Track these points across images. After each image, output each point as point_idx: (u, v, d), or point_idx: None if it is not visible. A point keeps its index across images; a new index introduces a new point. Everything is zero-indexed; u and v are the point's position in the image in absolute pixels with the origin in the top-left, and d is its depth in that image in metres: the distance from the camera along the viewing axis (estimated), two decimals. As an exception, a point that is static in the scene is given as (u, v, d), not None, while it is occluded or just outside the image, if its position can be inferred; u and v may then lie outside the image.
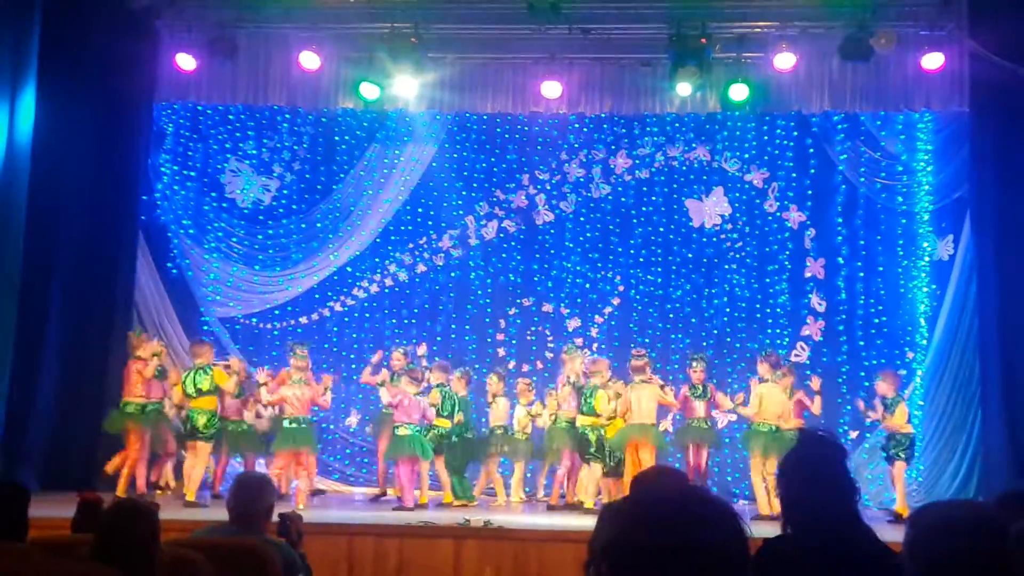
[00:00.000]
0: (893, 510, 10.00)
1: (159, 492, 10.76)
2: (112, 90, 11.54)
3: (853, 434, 11.57)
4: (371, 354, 11.89)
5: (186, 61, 11.56)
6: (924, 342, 11.87)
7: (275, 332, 12.69)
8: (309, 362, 10.76)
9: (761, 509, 9.90)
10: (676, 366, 12.03)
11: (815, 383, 10.72)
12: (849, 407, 11.63)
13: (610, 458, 10.30)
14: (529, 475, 11.53)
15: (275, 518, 5.24)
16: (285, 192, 13.03)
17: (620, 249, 12.74)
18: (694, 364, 10.78)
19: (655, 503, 1.83)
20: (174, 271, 12.55)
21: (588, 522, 3.47)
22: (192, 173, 12.87)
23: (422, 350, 11.53)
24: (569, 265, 12.79)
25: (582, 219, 12.86)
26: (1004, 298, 10.72)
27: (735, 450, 11.83)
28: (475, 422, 11.51)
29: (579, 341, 12.30)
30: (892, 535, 3.33)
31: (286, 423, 10.45)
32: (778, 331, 12.35)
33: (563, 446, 10.68)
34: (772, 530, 3.18)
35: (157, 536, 4.25)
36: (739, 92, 11.46)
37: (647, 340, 12.24)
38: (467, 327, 12.81)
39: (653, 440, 10.12)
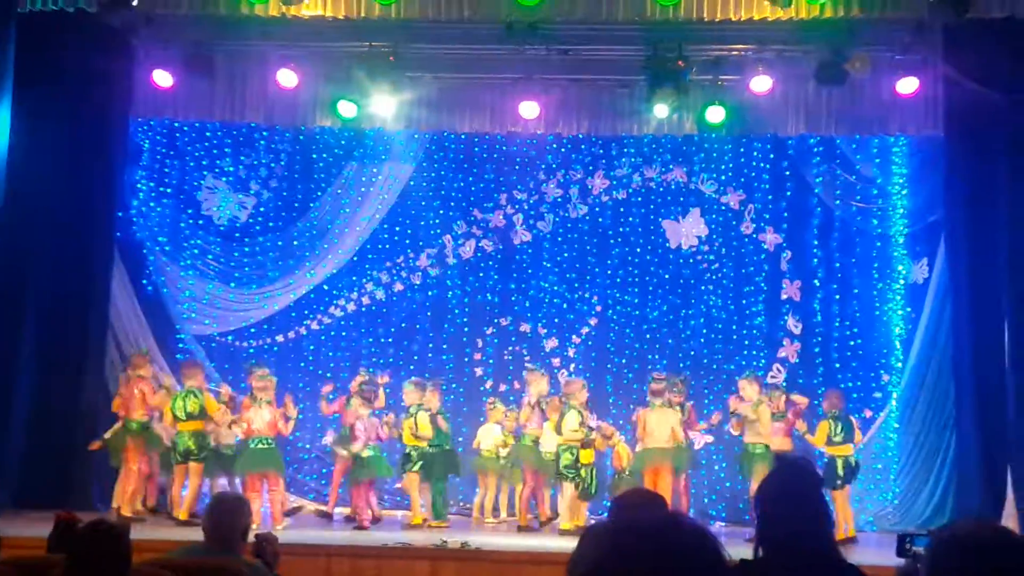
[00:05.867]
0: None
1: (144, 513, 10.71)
2: (88, 106, 11.48)
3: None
4: (347, 372, 11.87)
5: (163, 78, 11.51)
6: (899, 365, 11.94)
7: (251, 350, 12.60)
8: (273, 382, 10.68)
9: None
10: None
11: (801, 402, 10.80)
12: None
13: (583, 479, 10.30)
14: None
15: (251, 539, 5.21)
16: (262, 209, 12.97)
17: (597, 269, 12.75)
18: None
19: (636, 531, 1.83)
20: (149, 288, 12.46)
21: (565, 544, 3.46)
22: (168, 190, 12.80)
23: (384, 379, 11.41)
24: (546, 285, 12.79)
25: (559, 239, 12.87)
26: (977, 321, 10.79)
27: (711, 472, 11.87)
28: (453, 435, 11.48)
29: (556, 361, 12.37)
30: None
31: (251, 443, 10.37)
32: (754, 352, 12.39)
33: (527, 465, 10.74)
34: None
35: (129, 557, 4.22)
36: (716, 114, 11.52)
37: (624, 361, 12.28)
38: (444, 346, 12.77)
39: (673, 462, 10.22)
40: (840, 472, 10.21)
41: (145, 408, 10.53)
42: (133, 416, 10.48)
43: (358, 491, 10.51)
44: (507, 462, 11.15)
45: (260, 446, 10.31)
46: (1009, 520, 9.74)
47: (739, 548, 3.13)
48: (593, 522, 4.90)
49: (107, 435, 10.58)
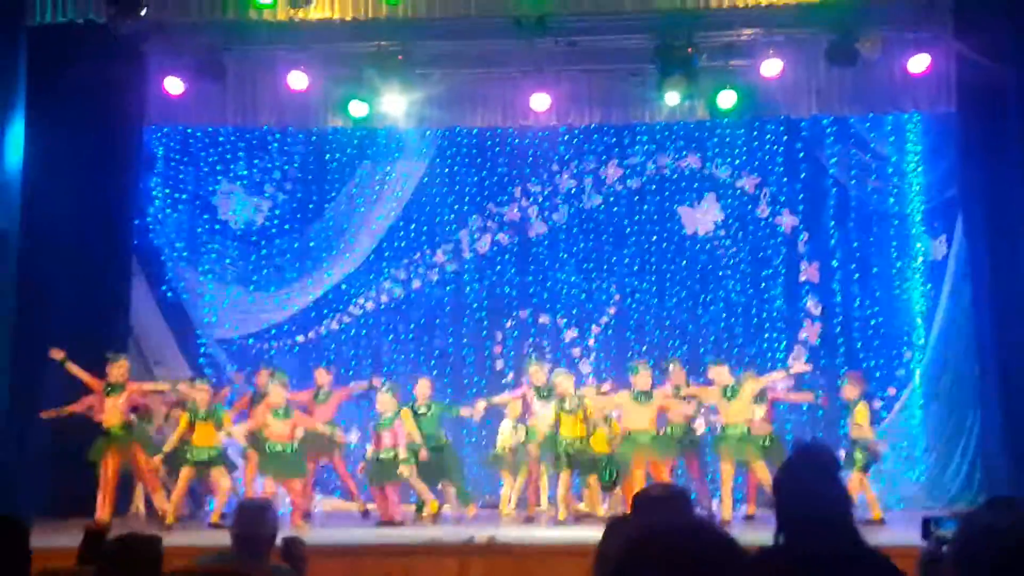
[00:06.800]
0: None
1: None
2: (101, 116, 11.52)
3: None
4: (369, 370, 11.92)
5: (174, 85, 11.55)
6: (921, 342, 11.89)
7: (272, 352, 12.67)
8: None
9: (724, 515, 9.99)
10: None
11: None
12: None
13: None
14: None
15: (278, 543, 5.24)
16: (277, 212, 13.02)
17: (614, 259, 12.75)
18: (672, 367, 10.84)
19: (654, 540, 1.85)
20: (169, 294, 12.54)
21: (593, 534, 3.49)
22: (183, 196, 12.86)
23: (377, 382, 11.32)
24: (564, 276, 12.80)
25: (575, 230, 12.87)
26: (998, 296, 10.74)
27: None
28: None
29: (576, 351, 12.37)
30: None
31: (269, 447, 10.31)
32: (775, 335, 12.37)
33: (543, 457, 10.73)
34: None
35: (159, 567, 4.25)
36: (727, 99, 11.50)
37: (644, 348, 12.26)
38: (464, 340, 12.81)
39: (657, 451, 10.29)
40: (862, 456, 10.12)
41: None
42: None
43: (384, 491, 10.48)
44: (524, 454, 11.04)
45: (281, 450, 10.30)
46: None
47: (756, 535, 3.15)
48: (615, 516, 4.88)
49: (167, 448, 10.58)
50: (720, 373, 10.52)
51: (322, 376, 11.31)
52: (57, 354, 10.20)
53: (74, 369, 10.31)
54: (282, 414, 10.31)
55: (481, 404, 11.09)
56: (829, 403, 11.08)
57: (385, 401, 10.55)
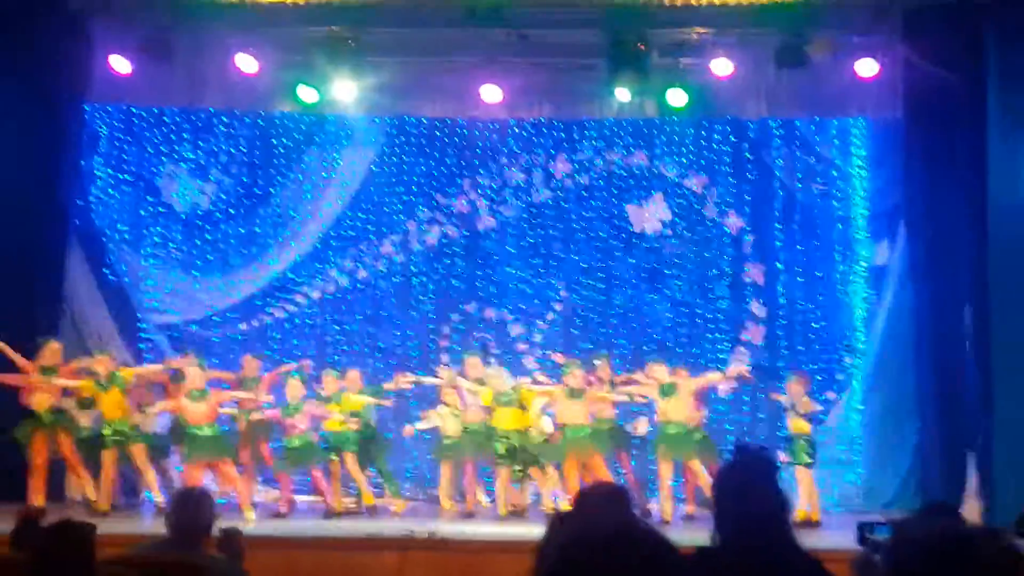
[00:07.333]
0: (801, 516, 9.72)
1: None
2: (43, 90, 11.29)
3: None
4: (313, 360, 11.83)
5: (120, 63, 11.35)
6: (862, 346, 12.02)
7: (215, 339, 12.51)
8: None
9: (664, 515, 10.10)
10: (619, 371, 11.98)
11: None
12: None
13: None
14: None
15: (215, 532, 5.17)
16: (223, 196, 12.83)
17: (562, 255, 12.73)
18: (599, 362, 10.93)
19: (596, 538, 1.86)
20: (111, 277, 12.32)
21: (535, 531, 3.48)
22: (127, 177, 12.62)
23: (307, 365, 11.38)
24: (512, 271, 12.76)
25: (524, 224, 12.84)
26: (938, 305, 10.90)
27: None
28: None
29: (522, 347, 12.37)
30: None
31: (189, 430, 10.24)
32: (719, 336, 12.44)
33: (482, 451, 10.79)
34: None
35: (92, 554, 4.18)
36: (677, 97, 11.54)
37: (590, 346, 12.26)
38: (410, 332, 12.73)
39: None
40: (808, 450, 10.28)
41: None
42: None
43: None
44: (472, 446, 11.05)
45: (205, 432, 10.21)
46: (970, 501, 9.87)
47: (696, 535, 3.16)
48: (560, 511, 4.90)
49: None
50: (657, 371, 10.58)
51: (249, 363, 11.19)
52: None
53: (6, 350, 10.13)
54: (198, 395, 10.21)
55: (403, 377, 11.16)
56: (773, 398, 11.10)
57: (294, 387, 10.58)
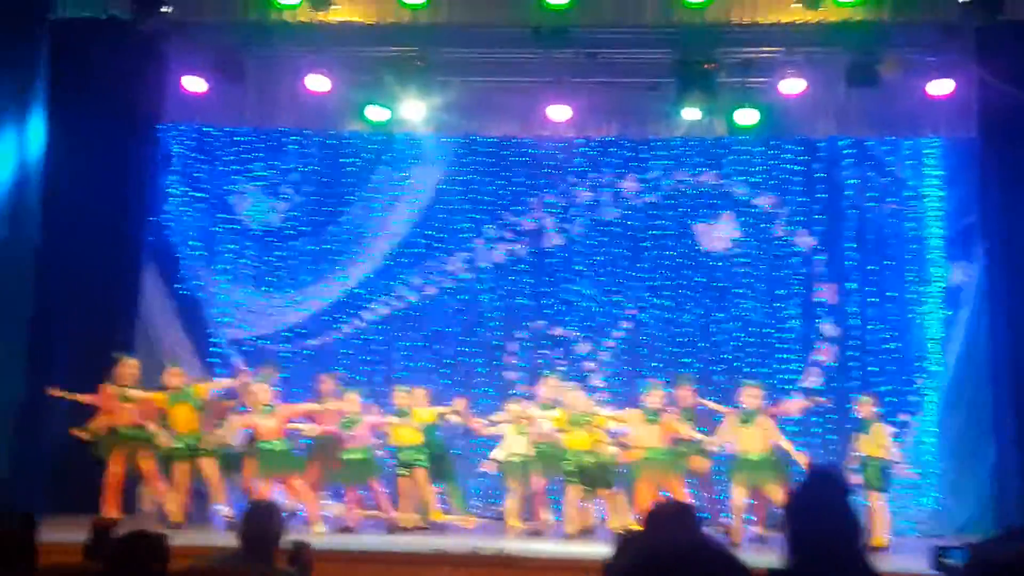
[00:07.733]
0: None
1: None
2: (120, 112, 11.55)
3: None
4: (381, 376, 11.89)
5: (194, 84, 11.59)
6: (936, 368, 11.79)
7: (285, 354, 12.65)
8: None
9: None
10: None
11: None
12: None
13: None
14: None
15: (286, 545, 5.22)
16: (294, 214, 13.01)
17: (630, 273, 12.69)
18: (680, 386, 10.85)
19: (667, 556, 1.85)
20: (184, 293, 12.53)
21: (602, 550, 3.47)
22: (200, 195, 12.85)
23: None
24: (579, 288, 12.75)
25: (591, 242, 12.82)
26: (1014, 324, 10.69)
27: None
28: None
29: (588, 365, 12.32)
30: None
31: (259, 445, 10.37)
32: (789, 357, 12.29)
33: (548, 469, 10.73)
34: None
35: (165, 565, 4.24)
36: (747, 117, 11.48)
37: (658, 365, 12.19)
38: (476, 350, 12.76)
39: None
40: (878, 474, 10.12)
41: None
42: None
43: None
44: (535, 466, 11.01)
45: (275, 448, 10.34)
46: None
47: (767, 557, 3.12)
48: (628, 533, 4.87)
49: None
50: (753, 394, 10.42)
51: (325, 381, 11.24)
52: (55, 392, 10.28)
53: (73, 397, 10.35)
54: (267, 410, 10.32)
55: (460, 402, 11.10)
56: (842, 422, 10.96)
57: (351, 401, 10.71)
